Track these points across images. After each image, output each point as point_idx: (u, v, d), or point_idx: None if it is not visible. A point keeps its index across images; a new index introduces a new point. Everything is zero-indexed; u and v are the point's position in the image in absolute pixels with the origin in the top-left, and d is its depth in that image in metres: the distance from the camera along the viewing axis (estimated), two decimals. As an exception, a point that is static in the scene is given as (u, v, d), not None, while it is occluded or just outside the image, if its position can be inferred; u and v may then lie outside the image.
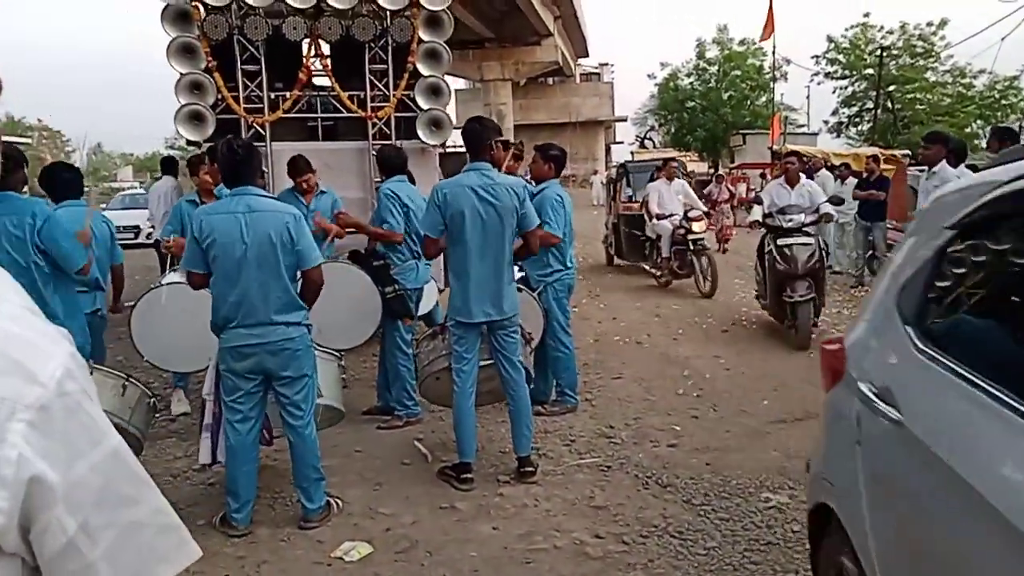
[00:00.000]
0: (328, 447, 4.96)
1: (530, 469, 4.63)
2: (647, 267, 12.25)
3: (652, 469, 4.75)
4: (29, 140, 37.62)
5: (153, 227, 10.26)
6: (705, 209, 11.51)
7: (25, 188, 4.16)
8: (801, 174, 8.70)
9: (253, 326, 3.86)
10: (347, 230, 6.28)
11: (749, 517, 4.06)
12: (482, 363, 4.68)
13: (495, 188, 4.47)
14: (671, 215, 11.07)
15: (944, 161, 7.57)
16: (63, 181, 5.09)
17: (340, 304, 5.19)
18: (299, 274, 3.99)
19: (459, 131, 4.92)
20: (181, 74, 7.39)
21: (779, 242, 7.99)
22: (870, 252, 11.66)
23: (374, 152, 7.00)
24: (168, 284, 5.06)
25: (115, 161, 67.37)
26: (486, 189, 4.44)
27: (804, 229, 8.07)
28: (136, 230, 18.85)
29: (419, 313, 6.27)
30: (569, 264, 5.83)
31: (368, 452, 5.18)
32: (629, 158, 25.91)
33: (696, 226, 10.85)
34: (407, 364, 5.59)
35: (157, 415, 5.81)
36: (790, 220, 8.05)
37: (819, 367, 2.83)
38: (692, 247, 10.85)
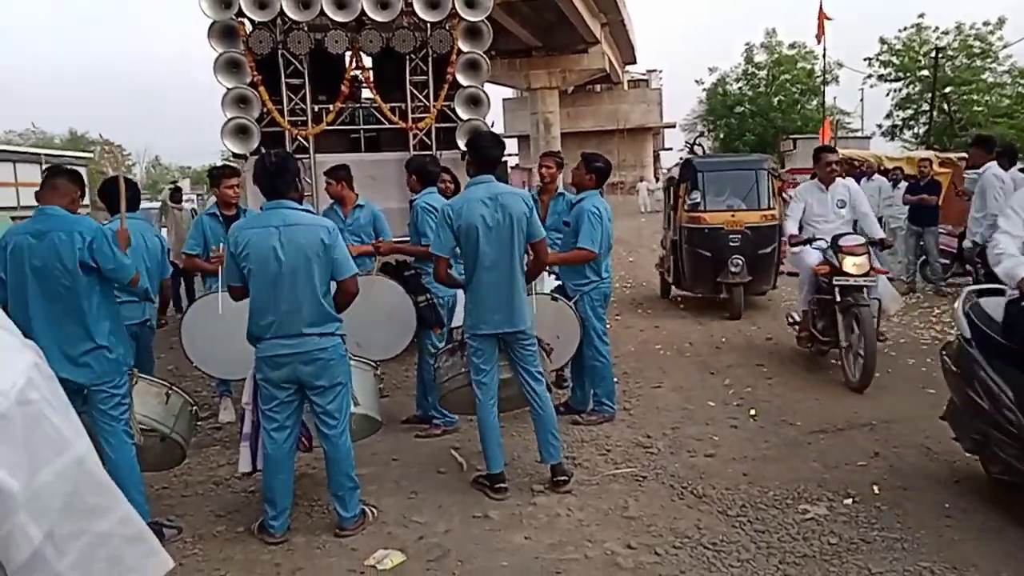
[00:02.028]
0: (366, 455, 5.02)
1: (563, 478, 4.61)
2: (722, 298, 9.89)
3: (688, 479, 4.68)
4: (91, 154, 38.76)
5: None
6: (881, 235, 6.97)
7: (83, 203, 4.26)
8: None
9: (287, 337, 3.92)
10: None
11: (785, 529, 3.98)
12: (502, 376, 4.69)
13: (504, 197, 4.49)
14: (815, 240, 6.91)
15: (995, 163, 7.36)
16: (116, 194, 5.25)
17: (376, 316, 5.25)
18: (333, 283, 4.05)
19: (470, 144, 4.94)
20: (227, 88, 7.58)
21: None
22: (922, 258, 11.35)
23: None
24: (223, 292, 5.15)
25: (173, 174, 69.04)
26: (494, 199, 4.46)
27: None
28: None
29: (454, 324, 6.30)
30: (605, 274, 5.80)
31: (404, 461, 5.21)
32: (676, 162, 25.34)
33: (850, 263, 6.48)
34: None
35: (201, 423, 5.97)
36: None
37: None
38: (840, 299, 6.54)
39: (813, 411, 5.91)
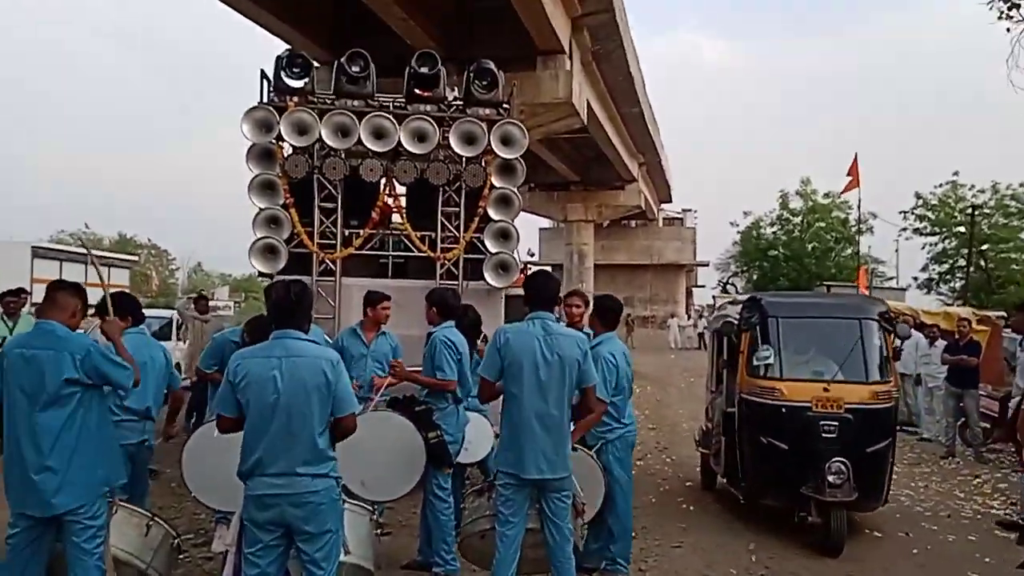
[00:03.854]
0: (356, 604, 4.63)
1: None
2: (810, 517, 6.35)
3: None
4: (136, 257, 39.85)
5: None
6: None
7: (81, 318, 4.14)
8: None
9: (277, 475, 3.67)
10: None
11: None
12: (529, 526, 4.36)
13: (559, 339, 4.32)
14: None
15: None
16: (126, 308, 5.18)
17: (383, 455, 5.02)
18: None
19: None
20: (260, 208, 7.65)
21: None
22: (961, 420, 10.85)
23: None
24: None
25: (213, 281, 70.51)
26: (549, 339, 4.30)
27: None
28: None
29: (472, 460, 6.01)
30: (628, 420, 5.51)
31: (397, 613, 4.81)
32: (711, 300, 24.80)
33: None
34: (446, 513, 5.32)
35: (193, 549, 5.67)
36: None
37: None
38: None
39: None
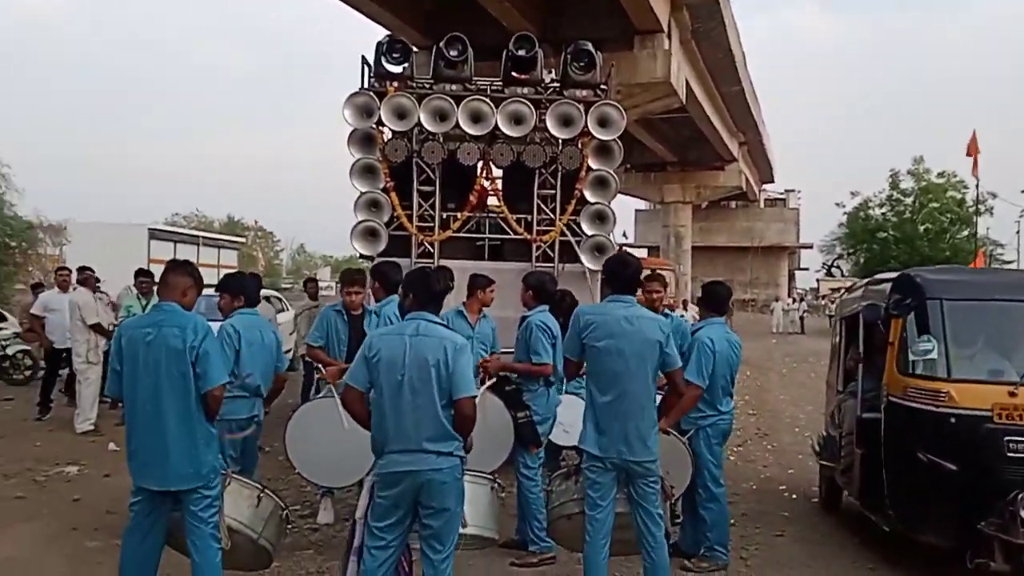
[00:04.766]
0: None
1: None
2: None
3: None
4: (244, 239, 41.50)
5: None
6: None
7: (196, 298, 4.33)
8: None
9: (404, 452, 3.78)
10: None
11: None
12: (618, 510, 4.35)
13: (640, 321, 4.30)
14: None
15: None
16: (239, 288, 5.39)
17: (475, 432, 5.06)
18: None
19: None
20: (361, 192, 7.85)
21: None
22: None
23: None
24: (329, 398, 5.09)
25: (316, 261, 72.85)
26: (630, 320, 4.28)
27: None
28: None
29: (570, 443, 6.01)
30: (724, 408, 5.40)
31: (495, 591, 4.88)
32: (814, 284, 23.81)
33: None
34: (535, 491, 5.37)
35: (300, 520, 5.89)
36: None
37: None
38: None
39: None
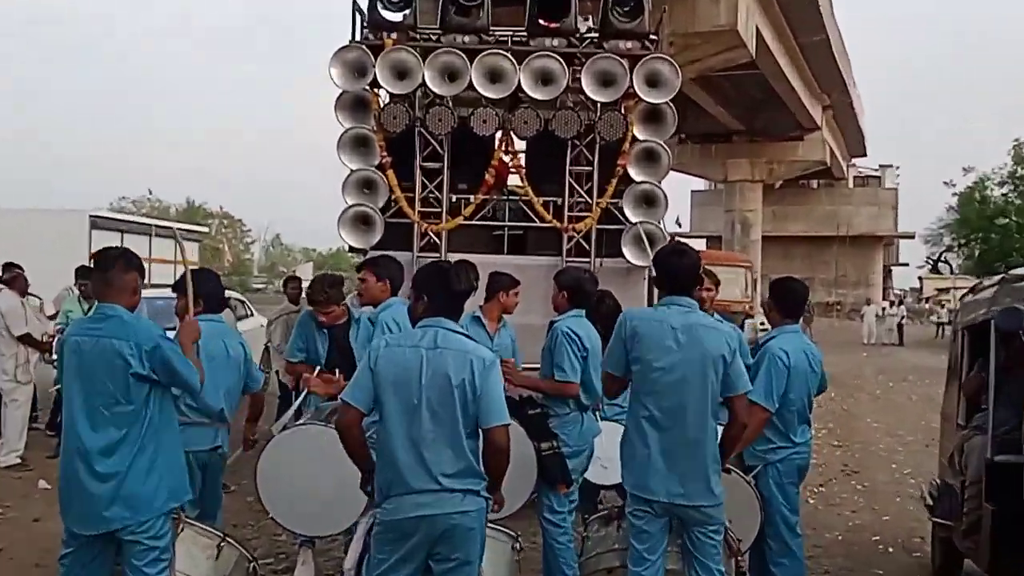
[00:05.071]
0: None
1: None
2: None
3: None
4: (206, 228, 41.82)
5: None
6: None
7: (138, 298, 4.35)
8: None
9: (419, 493, 3.74)
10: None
11: None
12: (669, 567, 4.34)
13: (700, 331, 4.25)
14: None
15: None
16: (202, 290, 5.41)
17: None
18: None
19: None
20: (351, 170, 7.84)
21: None
22: None
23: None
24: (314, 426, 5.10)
25: (295, 256, 73.33)
26: (688, 330, 4.23)
27: None
28: None
29: (607, 482, 5.98)
30: (800, 439, 5.32)
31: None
32: (917, 283, 23.60)
33: None
34: (562, 541, 5.34)
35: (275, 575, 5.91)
36: None
37: None
38: None
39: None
